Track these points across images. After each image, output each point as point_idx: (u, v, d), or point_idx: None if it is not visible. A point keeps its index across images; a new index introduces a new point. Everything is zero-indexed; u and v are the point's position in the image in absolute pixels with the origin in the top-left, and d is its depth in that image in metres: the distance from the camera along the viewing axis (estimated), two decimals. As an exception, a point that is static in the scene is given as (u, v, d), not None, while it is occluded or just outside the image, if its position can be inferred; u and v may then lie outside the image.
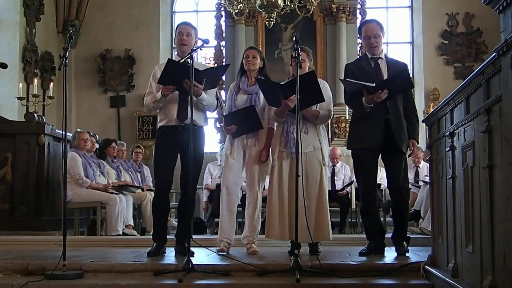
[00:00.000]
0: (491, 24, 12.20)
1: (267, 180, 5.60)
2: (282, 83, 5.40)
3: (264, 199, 5.55)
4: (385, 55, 5.47)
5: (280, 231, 5.23)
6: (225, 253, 5.17)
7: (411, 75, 5.47)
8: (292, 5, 9.74)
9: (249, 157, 5.49)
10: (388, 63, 5.35)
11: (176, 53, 5.66)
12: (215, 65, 12.09)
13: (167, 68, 5.09)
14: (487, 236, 2.88)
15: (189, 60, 4.89)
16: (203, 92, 5.17)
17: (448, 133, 3.65)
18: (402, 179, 5.25)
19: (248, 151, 5.50)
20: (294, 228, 4.63)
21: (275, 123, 5.49)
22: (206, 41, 4.95)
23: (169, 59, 5.19)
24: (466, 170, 3.29)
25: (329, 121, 8.08)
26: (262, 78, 5.49)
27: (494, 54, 2.67)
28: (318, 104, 5.32)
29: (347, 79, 5.24)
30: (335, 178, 9.75)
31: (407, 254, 5.05)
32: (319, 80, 5.36)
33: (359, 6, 12.14)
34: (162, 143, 5.40)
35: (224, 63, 12.07)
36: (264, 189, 5.74)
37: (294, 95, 4.84)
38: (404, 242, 5.21)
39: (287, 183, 5.26)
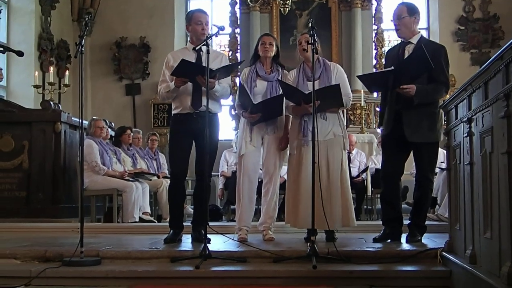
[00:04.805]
0: (508, 10, 12.08)
1: (284, 167, 5.58)
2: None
3: (281, 186, 5.53)
4: (420, 37, 5.25)
5: (305, 218, 5.11)
6: (246, 241, 5.13)
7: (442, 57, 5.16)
8: (307, -9, 9.70)
9: (268, 144, 5.46)
10: (416, 47, 5.10)
11: (189, 40, 5.59)
12: (230, 52, 12.15)
13: (180, 66, 5.06)
14: (505, 222, 2.85)
15: (203, 47, 4.88)
16: (216, 83, 5.17)
17: (465, 119, 3.61)
18: (422, 170, 5.19)
19: (267, 137, 5.46)
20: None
21: None
22: (221, 28, 4.94)
23: (182, 59, 5.08)
24: (484, 156, 3.26)
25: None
26: (279, 77, 5.43)
27: (514, 38, 2.64)
28: None
29: (359, 75, 5.38)
30: (351, 165, 9.67)
31: (423, 241, 5.03)
32: (333, 64, 5.50)
33: (374, -8, 12.08)
34: (177, 131, 5.39)
35: (238, 51, 12.11)
36: (280, 176, 5.72)
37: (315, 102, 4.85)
38: (417, 232, 5.13)
39: (308, 171, 5.21)
